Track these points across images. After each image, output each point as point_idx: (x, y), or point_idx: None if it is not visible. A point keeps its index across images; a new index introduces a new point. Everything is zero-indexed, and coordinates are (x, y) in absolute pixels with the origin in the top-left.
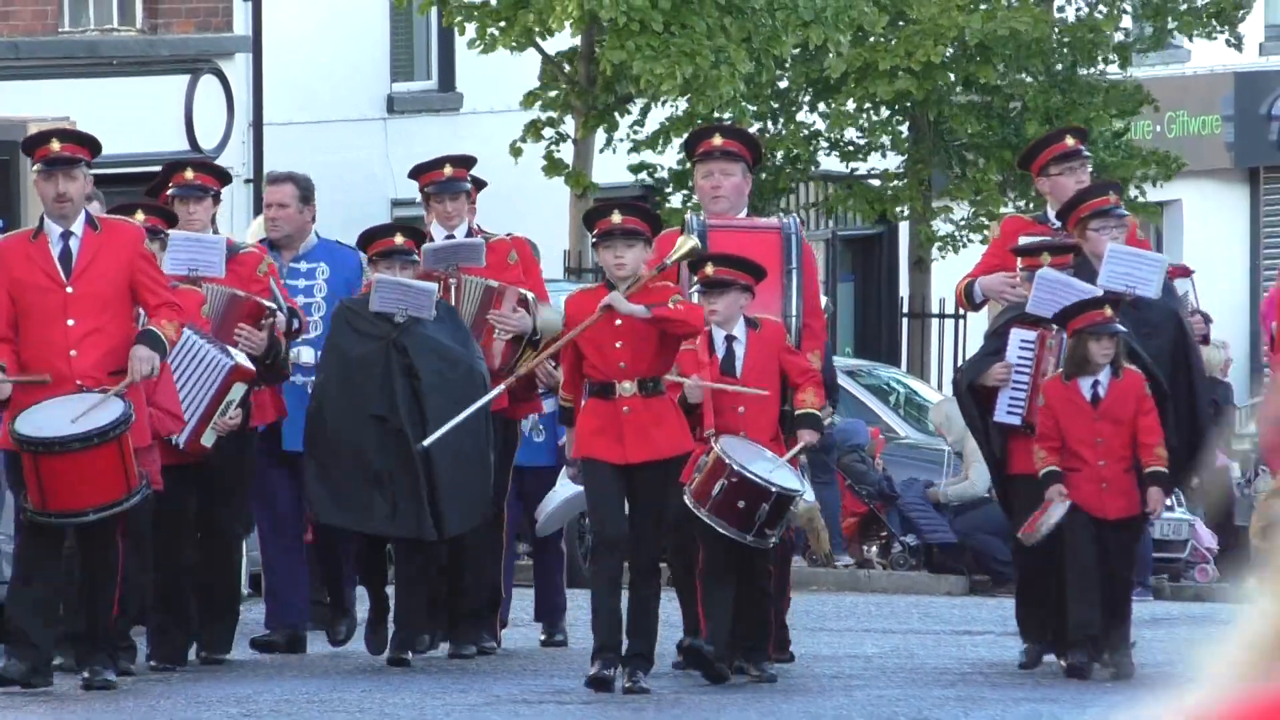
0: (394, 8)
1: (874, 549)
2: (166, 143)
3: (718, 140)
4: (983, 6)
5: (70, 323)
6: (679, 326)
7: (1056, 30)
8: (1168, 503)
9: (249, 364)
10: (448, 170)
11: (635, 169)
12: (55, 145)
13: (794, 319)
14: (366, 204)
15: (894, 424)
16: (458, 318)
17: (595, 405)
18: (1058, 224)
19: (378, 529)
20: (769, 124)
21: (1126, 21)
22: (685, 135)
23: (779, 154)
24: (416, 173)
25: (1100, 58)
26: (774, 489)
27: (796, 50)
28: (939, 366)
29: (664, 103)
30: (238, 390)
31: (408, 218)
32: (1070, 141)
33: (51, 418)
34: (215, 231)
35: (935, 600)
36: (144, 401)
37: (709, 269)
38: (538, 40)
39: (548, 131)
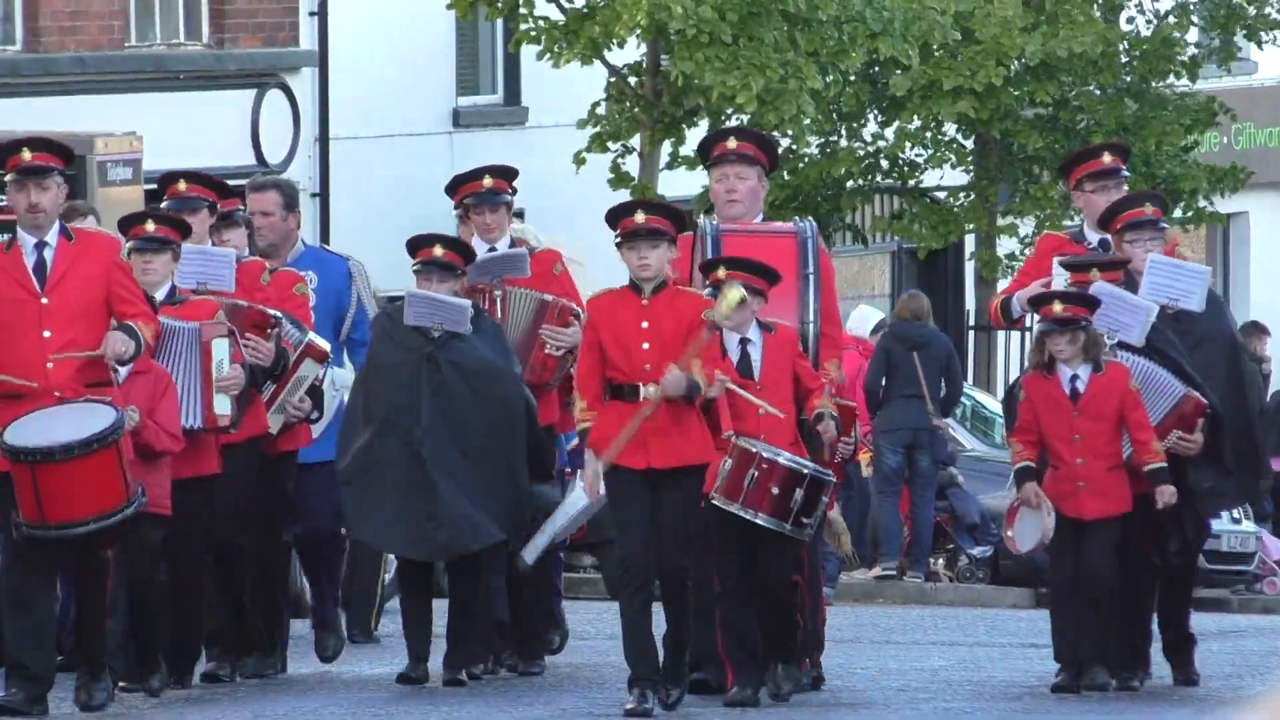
0: (459, 21)
1: (940, 562)
2: (232, 157)
3: (732, 143)
4: (1043, 27)
5: (46, 334)
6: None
7: (1125, 44)
8: (1234, 514)
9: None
10: (487, 181)
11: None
12: (26, 155)
13: (810, 325)
14: (431, 218)
15: (960, 437)
16: (498, 331)
17: (618, 408)
18: (1093, 242)
19: (410, 552)
20: (833, 140)
21: (1193, 34)
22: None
23: (842, 171)
24: (455, 184)
25: (1171, 72)
26: (807, 471)
27: (861, 66)
28: (1005, 379)
29: (735, 116)
30: (220, 347)
31: None
32: (1108, 159)
33: (42, 429)
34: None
35: (1001, 613)
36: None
37: (722, 273)
38: (604, 53)
39: (614, 144)
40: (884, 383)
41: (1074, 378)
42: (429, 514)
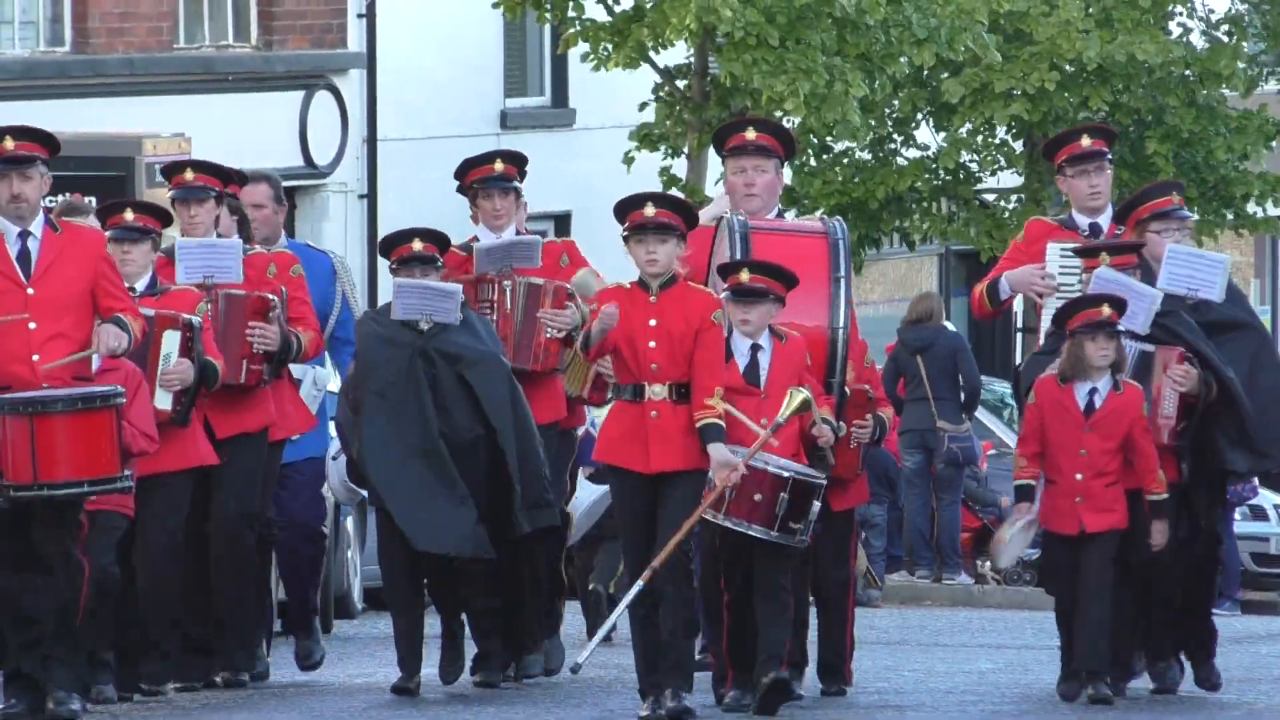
0: (507, 23)
1: (987, 564)
2: (281, 159)
3: (751, 134)
4: (1101, 31)
5: (32, 325)
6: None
7: (1180, 56)
8: None
9: (170, 311)
10: (498, 165)
11: None
12: (9, 144)
13: (841, 330)
14: None
15: (1006, 438)
16: (485, 321)
17: (622, 408)
18: (1084, 227)
19: (446, 548)
20: (888, 147)
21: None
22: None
23: (906, 185)
24: (464, 168)
25: (1225, 85)
26: (788, 474)
27: (909, 72)
28: None
29: (782, 119)
30: (170, 340)
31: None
32: (1086, 142)
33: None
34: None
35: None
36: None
37: (744, 276)
38: (651, 56)
39: (662, 146)
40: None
41: (1092, 391)
42: (449, 512)
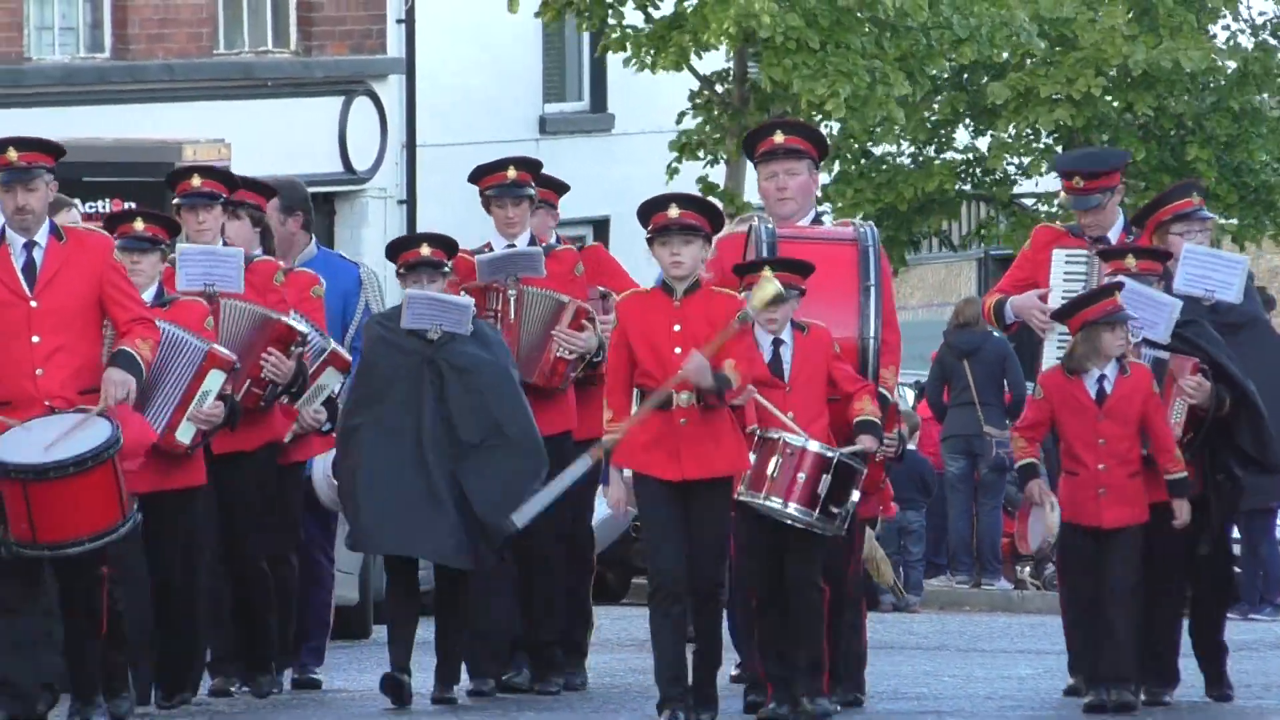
0: (545, 29)
1: (1027, 570)
2: (320, 164)
3: (779, 138)
4: (1146, 37)
5: (35, 339)
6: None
7: (1224, 62)
8: None
9: (226, 352)
10: (511, 173)
11: None
12: (12, 154)
13: (871, 340)
14: None
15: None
16: (495, 332)
17: (649, 417)
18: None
19: (417, 552)
20: (926, 149)
21: None
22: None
23: (935, 185)
24: (477, 174)
25: (1268, 93)
26: (832, 454)
27: (949, 75)
28: None
29: (823, 122)
30: (214, 379)
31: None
32: (1078, 183)
33: (33, 442)
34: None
35: None
36: (129, 416)
37: (768, 274)
38: (691, 61)
39: (701, 153)
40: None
41: (1101, 379)
42: (430, 519)
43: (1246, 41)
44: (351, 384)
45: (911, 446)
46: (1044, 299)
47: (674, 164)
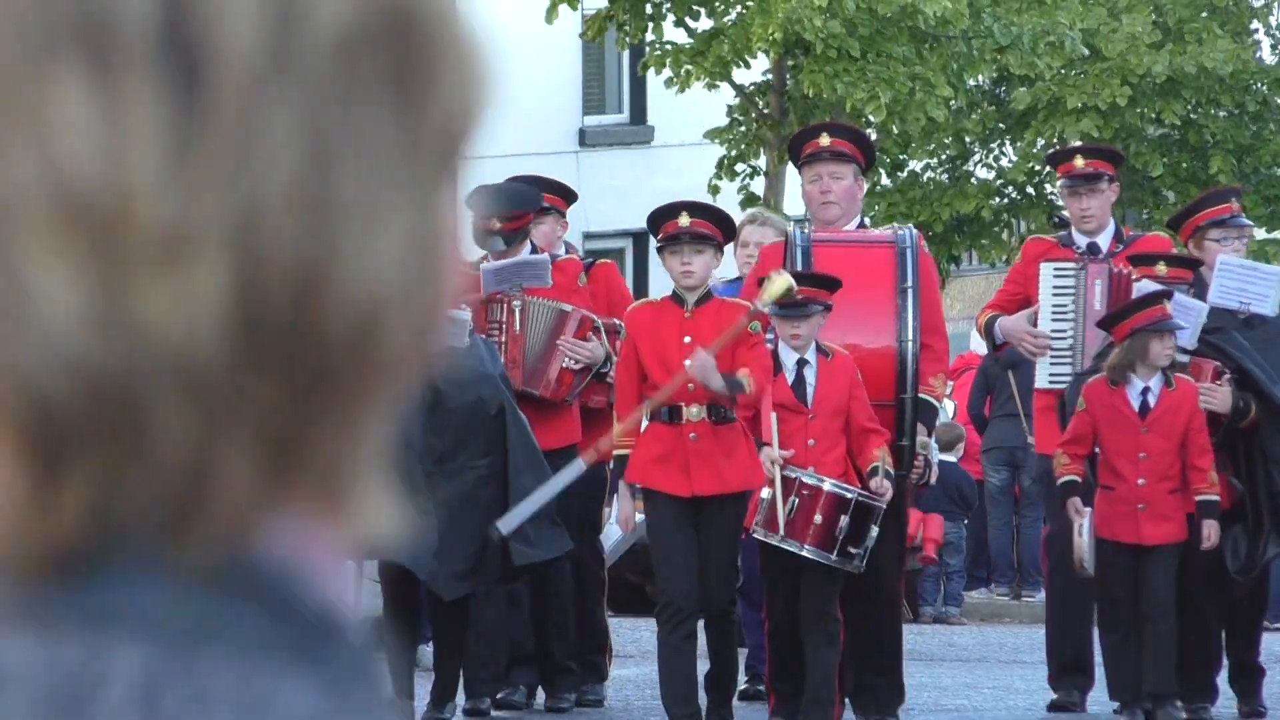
0: (585, 42)
1: None
2: None
3: (825, 140)
4: (1170, 44)
5: None
6: (745, 411)
7: (1254, 68)
8: None
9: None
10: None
11: None
12: None
13: (910, 344)
14: None
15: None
16: (487, 343)
17: (658, 430)
18: (1081, 245)
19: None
20: (963, 167)
21: None
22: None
23: (971, 206)
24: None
25: None
26: (851, 495)
27: (988, 85)
28: None
29: (866, 126)
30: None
31: (599, 251)
32: (1080, 162)
33: None
34: None
35: None
36: None
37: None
38: (731, 73)
39: (740, 167)
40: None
41: (1145, 390)
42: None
43: (1270, 55)
44: None
45: (953, 458)
46: (1034, 322)
47: (714, 182)
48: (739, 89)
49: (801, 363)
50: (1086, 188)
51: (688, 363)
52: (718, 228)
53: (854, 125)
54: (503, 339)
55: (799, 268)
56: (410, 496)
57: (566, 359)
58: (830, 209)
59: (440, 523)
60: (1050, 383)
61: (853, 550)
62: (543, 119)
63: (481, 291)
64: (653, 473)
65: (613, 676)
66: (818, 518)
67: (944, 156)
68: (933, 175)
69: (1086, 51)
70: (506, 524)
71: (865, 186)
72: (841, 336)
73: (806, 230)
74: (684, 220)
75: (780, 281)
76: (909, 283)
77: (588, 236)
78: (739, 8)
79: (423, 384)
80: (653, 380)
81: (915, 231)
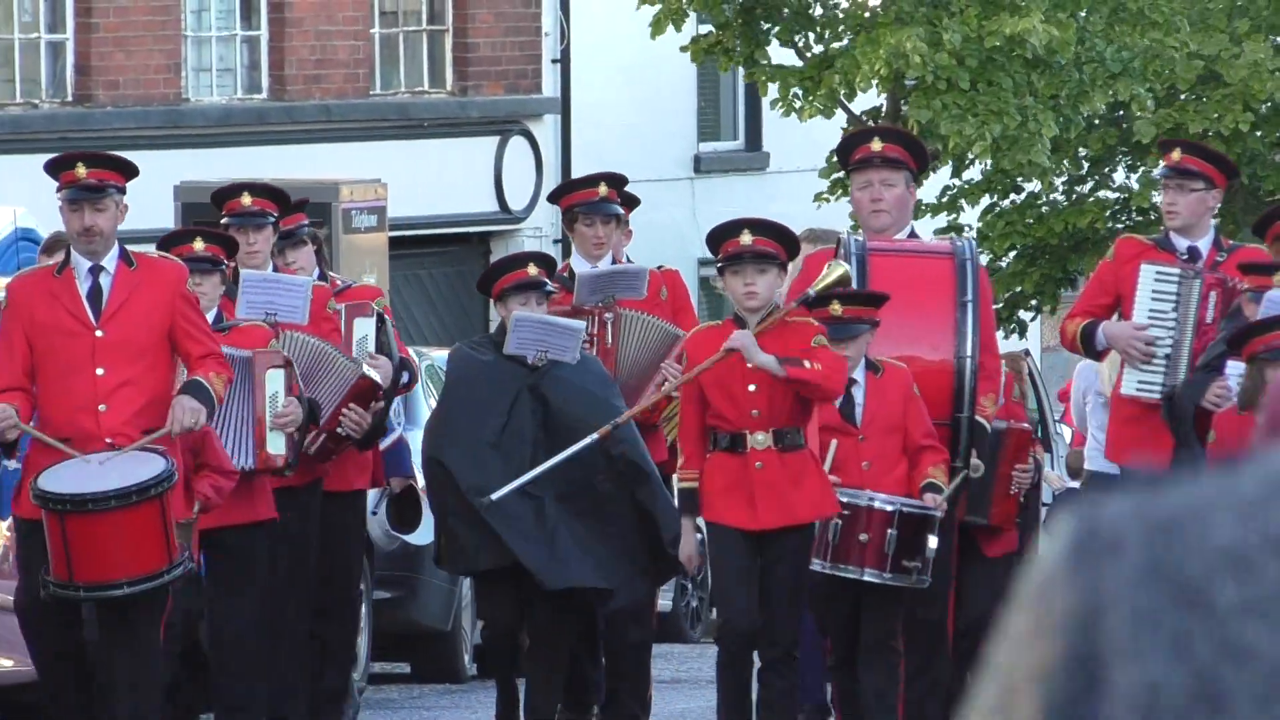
0: (700, 68)
1: None
2: (476, 204)
3: (877, 145)
4: None
5: (99, 372)
6: (815, 391)
7: None
8: None
9: (273, 349)
10: (602, 189)
11: (942, 231)
12: (81, 171)
13: (969, 360)
14: (673, 263)
15: None
16: (596, 361)
17: (723, 461)
18: (1181, 249)
19: (516, 557)
20: (1079, 188)
21: None
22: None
23: (1087, 222)
24: (563, 191)
25: None
26: (893, 507)
27: (1106, 108)
28: None
29: (972, 162)
30: (274, 378)
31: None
32: (1176, 155)
33: (81, 474)
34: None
35: None
36: (183, 469)
37: (837, 308)
38: (843, 101)
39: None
40: None
41: None
42: (554, 548)
43: None
44: (438, 410)
45: (1074, 485)
46: (1140, 327)
47: (823, 194)
48: (853, 116)
49: (849, 382)
50: (1177, 182)
51: (728, 341)
52: (782, 245)
53: (905, 130)
54: (593, 353)
55: (853, 279)
56: (528, 507)
57: (667, 384)
58: (880, 218)
59: (540, 527)
60: (1138, 390)
61: (908, 564)
62: (658, 146)
63: (573, 302)
64: (715, 504)
65: (665, 698)
66: (863, 537)
67: (1059, 178)
68: (1049, 195)
69: (1199, 76)
70: (498, 493)
71: (917, 194)
72: (897, 349)
73: (860, 237)
74: (746, 238)
75: (837, 269)
76: (969, 295)
77: (702, 263)
78: (848, 36)
79: (530, 394)
80: (715, 408)
81: (973, 243)
